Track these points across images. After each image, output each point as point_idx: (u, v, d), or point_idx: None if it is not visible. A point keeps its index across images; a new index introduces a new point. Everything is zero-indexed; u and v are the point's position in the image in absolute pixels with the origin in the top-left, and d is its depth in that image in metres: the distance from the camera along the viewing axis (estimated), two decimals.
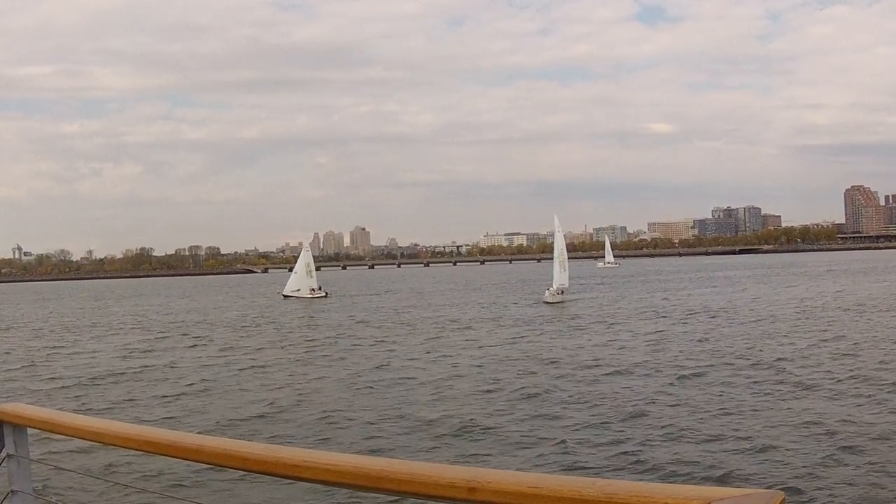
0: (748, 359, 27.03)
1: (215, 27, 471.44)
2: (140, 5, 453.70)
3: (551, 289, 61.00)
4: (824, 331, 34.34)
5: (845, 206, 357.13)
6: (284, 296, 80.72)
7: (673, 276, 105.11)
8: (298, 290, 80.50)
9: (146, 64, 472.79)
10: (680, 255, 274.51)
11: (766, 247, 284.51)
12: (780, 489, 1.83)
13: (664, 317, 45.02)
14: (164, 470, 14.32)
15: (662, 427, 17.36)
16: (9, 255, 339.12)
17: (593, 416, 18.91)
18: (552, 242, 74.52)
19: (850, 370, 23.70)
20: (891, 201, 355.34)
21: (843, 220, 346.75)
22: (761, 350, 28.96)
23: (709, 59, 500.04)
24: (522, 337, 37.35)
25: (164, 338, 44.34)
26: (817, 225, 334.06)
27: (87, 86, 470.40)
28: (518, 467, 14.36)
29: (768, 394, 20.74)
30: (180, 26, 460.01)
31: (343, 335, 41.59)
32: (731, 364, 25.87)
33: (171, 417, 21.14)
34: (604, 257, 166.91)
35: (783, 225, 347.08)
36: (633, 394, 21.44)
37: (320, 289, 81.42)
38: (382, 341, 37.55)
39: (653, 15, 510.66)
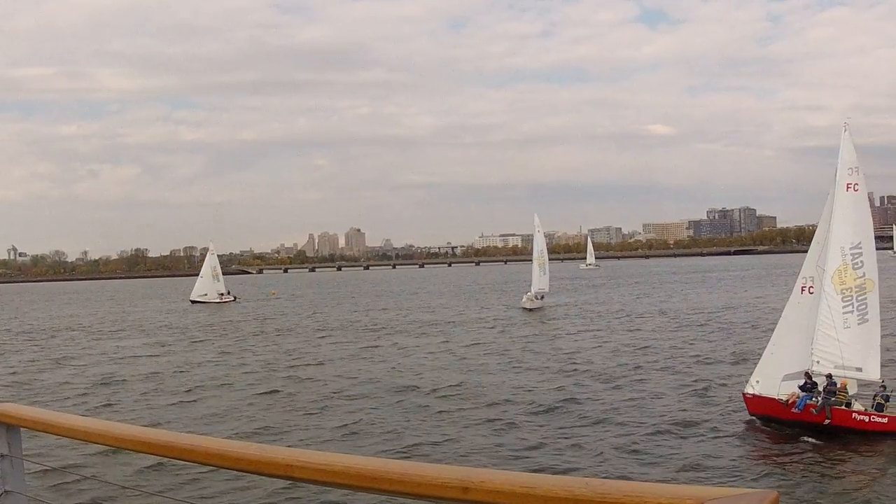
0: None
1: (216, 29, 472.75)
2: (142, 7, 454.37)
3: (529, 293, 57.09)
4: None
5: None
6: (192, 301, 77.20)
7: (654, 279, 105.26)
8: (206, 294, 77.50)
9: (147, 66, 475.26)
10: (675, 255, 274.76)
11: (760, 248, 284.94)
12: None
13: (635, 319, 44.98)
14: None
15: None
16: (4, 256, 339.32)
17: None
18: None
19: None
20: (886, 203, 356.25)
21: None
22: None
23: (709, 61, 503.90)
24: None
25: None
26: (812, 226, 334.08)
27: (88, 87, 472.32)
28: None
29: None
30: (182, 28, 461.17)
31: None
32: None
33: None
34: (585, 259, 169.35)
35: (778, 226, 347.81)
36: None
37: (228, 293, 79.38)
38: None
39: (654, 17, 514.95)
